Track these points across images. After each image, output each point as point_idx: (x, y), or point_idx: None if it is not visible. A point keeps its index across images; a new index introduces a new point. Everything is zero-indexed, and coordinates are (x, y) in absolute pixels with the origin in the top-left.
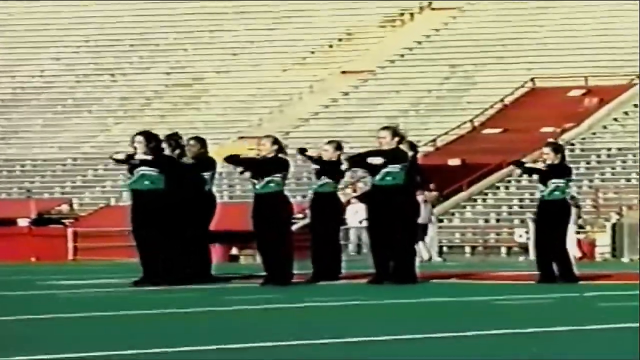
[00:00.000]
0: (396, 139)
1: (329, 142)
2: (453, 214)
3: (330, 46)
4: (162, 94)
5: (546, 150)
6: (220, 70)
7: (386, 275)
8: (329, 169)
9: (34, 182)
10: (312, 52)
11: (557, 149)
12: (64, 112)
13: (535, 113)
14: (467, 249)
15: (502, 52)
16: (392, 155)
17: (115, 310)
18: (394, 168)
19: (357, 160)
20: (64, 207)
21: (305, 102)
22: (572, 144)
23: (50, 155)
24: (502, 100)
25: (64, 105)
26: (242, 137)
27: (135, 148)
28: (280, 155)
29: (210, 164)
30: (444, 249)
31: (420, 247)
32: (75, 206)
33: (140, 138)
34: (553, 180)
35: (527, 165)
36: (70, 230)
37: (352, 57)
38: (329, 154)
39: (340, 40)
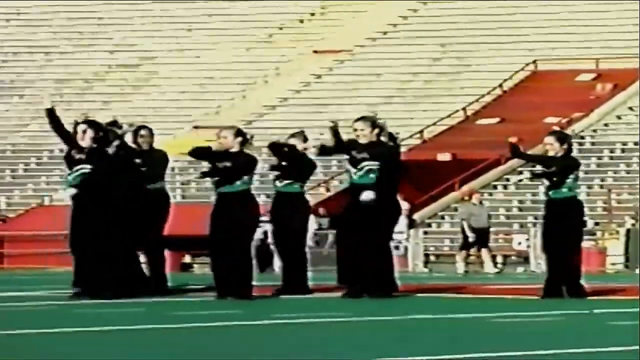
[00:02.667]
0: (376, 130)
1: (294, 135)
2: (442, 217)
3: (301, 21)
4: (104, 75)
5: (549, 139)
6: (172, 49)
7: (364, 288)
8: (296, 165)
9: None
10: (280, 28)
11: (563, 138)
12: None
13: (537, 101)
14: (458, 258)
15: (499, 30)
16: (373, 150)
17: (50, 328)
18: (374, 165)
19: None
20: None
21: (271, 87)
22: (582, 137)
23: None
24: (500, 85)
25: None
26: (197, 127)
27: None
28: (245, 150)
29: (164, 158)
30: (431, 257)
31: (483, 255)
32: (3, 206)
33: (84, 127)
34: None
35: (528, 152)
36: None
37: (326, 34)
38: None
39: (312, 14)
